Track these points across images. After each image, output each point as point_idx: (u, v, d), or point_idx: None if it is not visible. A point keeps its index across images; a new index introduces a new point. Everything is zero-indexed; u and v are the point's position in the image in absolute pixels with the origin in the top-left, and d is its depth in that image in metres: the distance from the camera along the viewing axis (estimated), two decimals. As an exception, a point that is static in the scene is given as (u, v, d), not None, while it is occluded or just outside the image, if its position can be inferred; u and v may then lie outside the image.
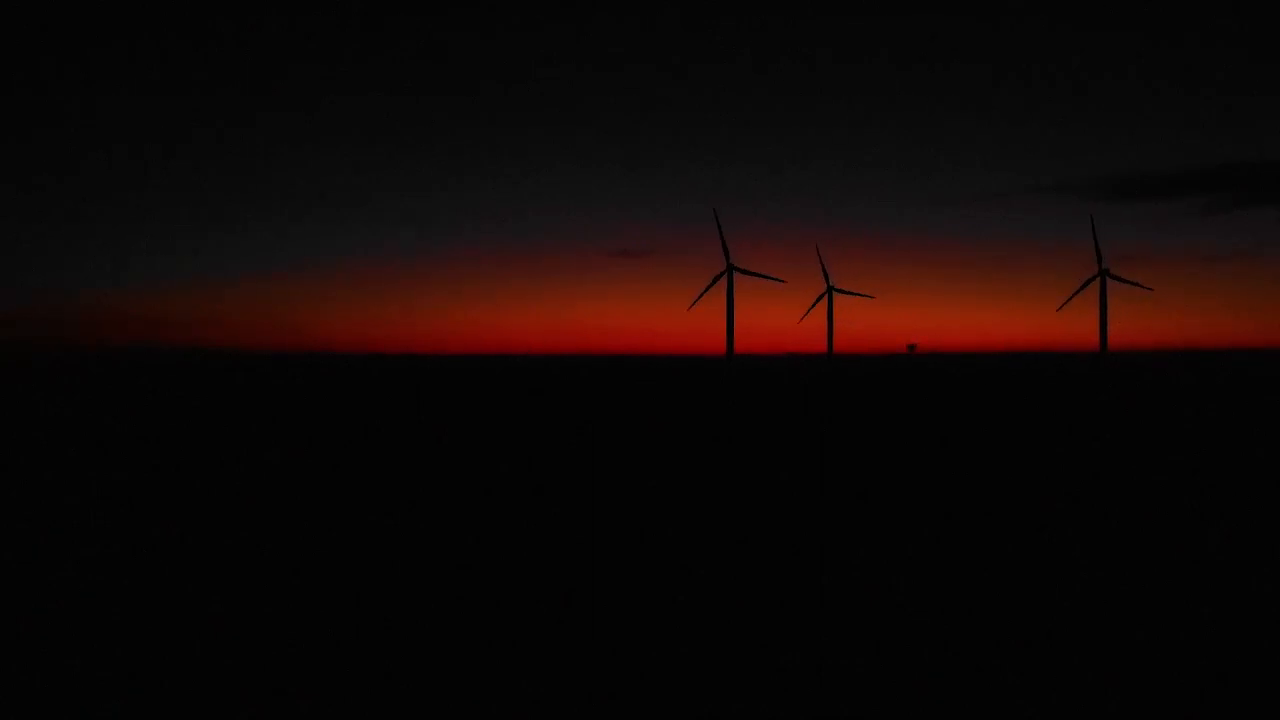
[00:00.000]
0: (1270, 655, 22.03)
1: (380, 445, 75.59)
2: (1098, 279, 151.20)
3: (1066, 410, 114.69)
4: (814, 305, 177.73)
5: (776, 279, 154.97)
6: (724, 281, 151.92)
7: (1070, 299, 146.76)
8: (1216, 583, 28.92)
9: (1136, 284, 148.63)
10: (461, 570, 31.17)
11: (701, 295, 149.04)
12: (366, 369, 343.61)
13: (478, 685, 20.37)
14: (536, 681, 20.52)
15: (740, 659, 22.02)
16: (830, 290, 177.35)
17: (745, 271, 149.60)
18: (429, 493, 49.21)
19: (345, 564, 32.20)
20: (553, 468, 60.07)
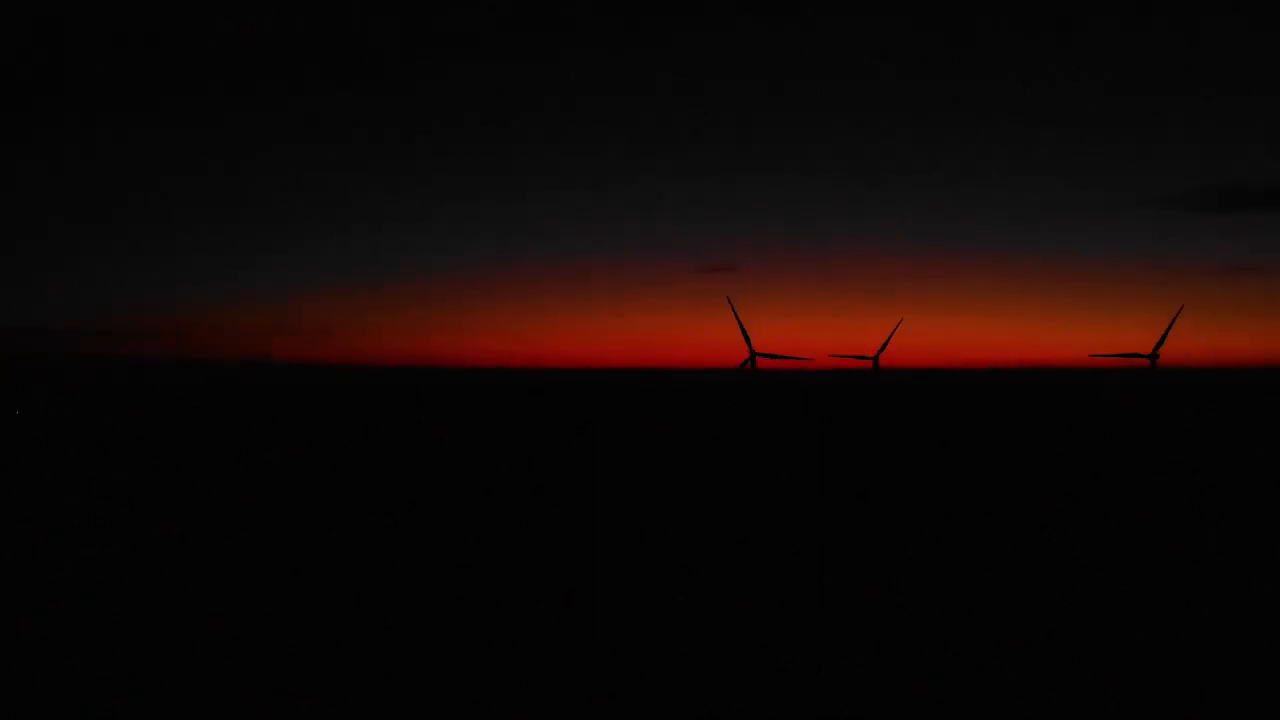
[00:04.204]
0: (1270, 655, 22.03)
1: (381, 449, 75.57)
2: (1149, 363, 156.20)
3: (1111, 419, 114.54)
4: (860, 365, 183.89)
5: (804, 358, 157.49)
6: (748, 368, 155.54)
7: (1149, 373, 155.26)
8: (1216, 583, 28.91)
9: (1171, 325, 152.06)
10: (461, 570, 31.16)
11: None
12: (439, 384, 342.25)
13: (478, 685, 20.36)
14: (536, 681, 20.51)
15: (740, 659, 22.01)
16: (876, 359, 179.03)
17: (769, 355, 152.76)
18: (429, 493, 49.19)
19: (345, 564, 32.19)
20: (552, 468, 60.05)
